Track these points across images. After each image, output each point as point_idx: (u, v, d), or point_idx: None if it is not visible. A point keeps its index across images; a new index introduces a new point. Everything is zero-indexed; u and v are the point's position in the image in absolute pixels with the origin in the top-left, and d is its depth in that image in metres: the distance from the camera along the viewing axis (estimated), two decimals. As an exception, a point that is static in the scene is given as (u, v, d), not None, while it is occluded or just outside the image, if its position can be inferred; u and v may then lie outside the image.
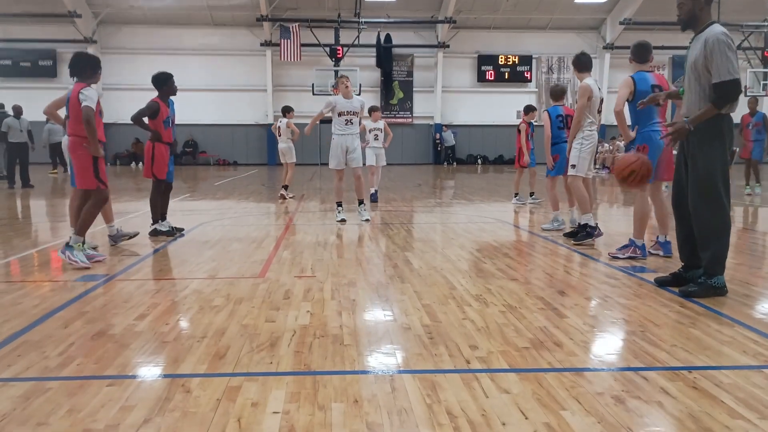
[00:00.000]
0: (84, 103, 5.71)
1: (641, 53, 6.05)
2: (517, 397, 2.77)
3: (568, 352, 3.38)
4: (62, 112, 6.51)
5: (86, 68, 6.00)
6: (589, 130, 6.93)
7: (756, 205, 11.71)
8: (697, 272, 4.68)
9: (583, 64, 7.13)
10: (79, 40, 27.53)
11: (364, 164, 10.12)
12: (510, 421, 2.53)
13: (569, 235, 7.31)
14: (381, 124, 11.85)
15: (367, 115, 11.09)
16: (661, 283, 4.91)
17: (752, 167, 13.68)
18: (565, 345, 3.49)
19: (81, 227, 5.91)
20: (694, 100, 4.53)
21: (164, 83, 7.64)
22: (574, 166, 7.00)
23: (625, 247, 6.11)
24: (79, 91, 5.79)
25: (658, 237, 6.19)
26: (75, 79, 5.96)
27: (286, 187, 12.48)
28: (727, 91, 4.34)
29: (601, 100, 7.26)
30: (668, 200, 5.31)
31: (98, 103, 5.90)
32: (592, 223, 6.99)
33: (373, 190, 11.93)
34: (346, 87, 8.71)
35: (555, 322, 3.94)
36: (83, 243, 5.86)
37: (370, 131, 11.79)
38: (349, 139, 8.75)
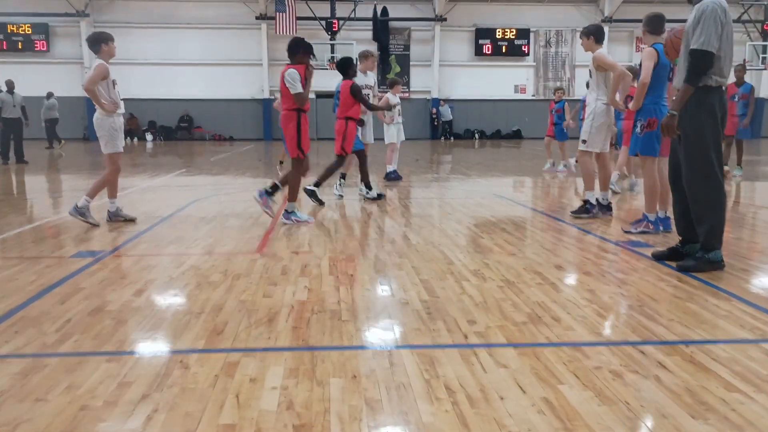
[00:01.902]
0: (292, 91, 6.47)
1: (657, 24, 5.96)
2: (515, 371, 2.78)
3: (566, 326, 3.39)
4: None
5: (298, 51, 6.63)
6: (603, 104, 6.71)
7: (738, 182, 11.70)
8: (695, 247, 4.68)
9: (601, 34, 6.90)
10: (71, 13, 27.20)
11: (378, 142, 9.74)
12: (508, 395, 2.54)
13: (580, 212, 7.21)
14: (398, 99, 11.14)
15: (380, 89, 10.74)
16: (658, 257, 4.91)
17: (736, 146, 11.74)
18: (563, 320, 3.50)
19: (291, 194, 6.77)
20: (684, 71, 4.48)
21: (350, 67, 8.08)
22: (584, 141, 6.84)
23: (638, 221, 6.11)
24: (285, 72, 6.54)
25: (657, 212, 6.19)
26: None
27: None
28: (699, 60, 4.29)
29: None
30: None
31: (302, 77, 6.54)
32: (593, 201, 6.96)
33: (391, 169, 11.25)
34: (373, 64, 8.87)
35: (553, 297, 3.94)
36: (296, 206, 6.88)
37: (394, 106, 10.88)
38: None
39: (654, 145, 5.93)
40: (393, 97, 10.93)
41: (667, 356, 2.94)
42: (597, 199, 7.07)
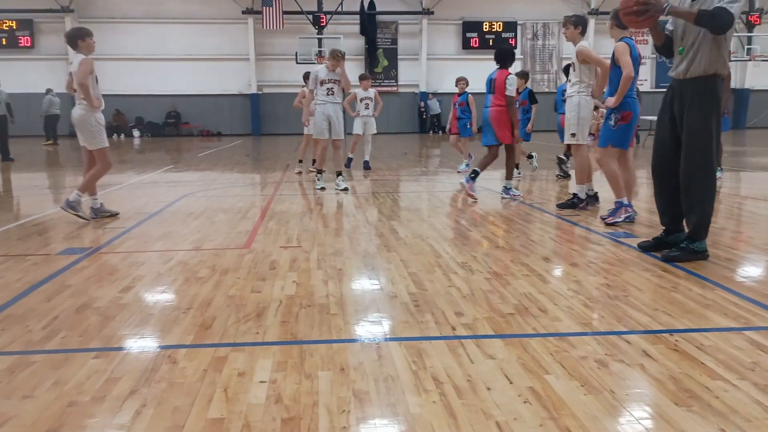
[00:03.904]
0: (507, 93, 7.75)
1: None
2: (502, 362, 2.80)
3: (553, 317, 3.41)
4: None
5: (508, 58, 7.94)
6: (587, 95, 6.73)
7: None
8: (680, 236, 4.72)
9: (587, 26, 6.90)
10: (56, 9, 26.95)
11: (350, 133, 9.87)
12: (495, 386, 2.56)
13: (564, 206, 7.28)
14: (371, 92, 11.87)
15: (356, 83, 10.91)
16: (644, 248, 4.95)
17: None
18: (550, 310, 3.52)
19: (508, 172, 8.15)
20: (700, 58, 4.38)
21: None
22: (574, 134, 6.79)
23: (616, 210, 6.13)
24: (506, 77, 7.76)
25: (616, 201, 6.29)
26: (498, 66, 7.91)
27: (301, 161, 11.77)
28: (721, 19, 4.14)
29: None
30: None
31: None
32: (582, 196, 6.99)
33: (367, 157, 12.09)
34: (336, 64, 8.64)
35: (539, 288, 3.97)
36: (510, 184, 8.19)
37: (361, 100, 11.77)
38: (331, 108, 8.73)
39: (628, 137, 6.03)
40: (360, 92, 11.74)
41: (651, 345, 2.98)
42: (587, 193, 7.12)
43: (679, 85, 4.57)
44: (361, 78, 12.00)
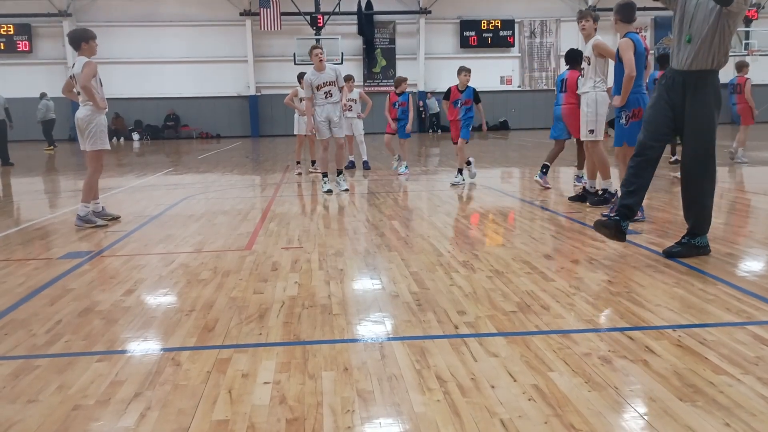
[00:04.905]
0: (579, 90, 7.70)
1: (629, 13, 5.95)
2: (506, 360, 2.80)
3: (555, 314, 3.41)
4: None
5: (578, 59, 7.76)
6: (603, 91, 6.70)
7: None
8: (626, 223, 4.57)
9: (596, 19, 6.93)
10: (53, 13, 26.96)
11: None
12: (499, 384, 2.56)
13: (575, 199, 7.29)
14: (355, 94, 11.84)
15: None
16: (601, 224, 4.62)
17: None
18: (552, 308, 3.52)
19: (581, 162, 8.20)
20: (707, 51, 4.34)
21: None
22: (592, 131, 6.76)
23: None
24: (578, 77, 7.50)
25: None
26: (569, 67, 8.14)
27: (313, 162, 11.74)
28: None
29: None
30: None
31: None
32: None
33: (365, 157, 12.21)
34: (319, 59, 8.56)
35: (541, 286, 3.97)
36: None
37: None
38: (331, 108, 8.72)
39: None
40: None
41: (654, 341, 2.98)
42: (585, 188, 7.11)
43: (682, 76, 4.46)
44: (345, 80, 11.68)
